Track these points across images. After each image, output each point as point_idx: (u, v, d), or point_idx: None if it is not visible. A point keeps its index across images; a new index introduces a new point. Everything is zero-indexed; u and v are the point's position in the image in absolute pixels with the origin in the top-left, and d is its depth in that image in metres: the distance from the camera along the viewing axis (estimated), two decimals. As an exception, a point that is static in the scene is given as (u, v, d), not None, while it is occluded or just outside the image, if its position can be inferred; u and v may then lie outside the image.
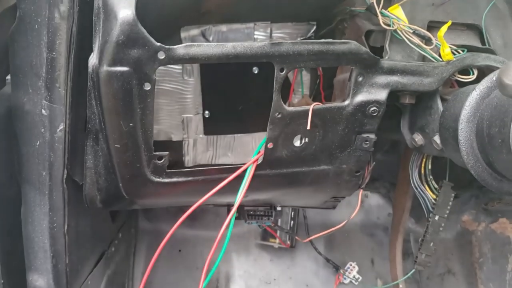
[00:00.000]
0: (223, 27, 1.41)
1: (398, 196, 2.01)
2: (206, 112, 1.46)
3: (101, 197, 1.24)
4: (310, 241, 2.11)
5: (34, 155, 1.17)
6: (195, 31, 1.40)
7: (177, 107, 1.45)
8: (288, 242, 2.16)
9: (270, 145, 1.18)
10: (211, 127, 1.48)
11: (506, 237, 2.11)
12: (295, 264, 2.26)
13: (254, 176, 1.17)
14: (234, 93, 1.45)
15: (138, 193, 1.20)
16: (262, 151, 1.19)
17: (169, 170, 1.15)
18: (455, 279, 2.23)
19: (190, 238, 2.21)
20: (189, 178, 1.18)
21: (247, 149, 1.56)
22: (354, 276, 2.22)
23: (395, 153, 2.20)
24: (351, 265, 2.25)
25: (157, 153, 1.11)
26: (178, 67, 1.40)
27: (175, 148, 1.48)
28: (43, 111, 1.12)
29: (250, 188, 1.17)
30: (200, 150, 1.52)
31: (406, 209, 1.95)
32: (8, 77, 1.31)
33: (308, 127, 1.14)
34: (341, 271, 2.20)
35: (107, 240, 1.69)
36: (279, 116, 1.13)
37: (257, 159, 1.18)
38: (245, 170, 1.16)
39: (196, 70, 1.41)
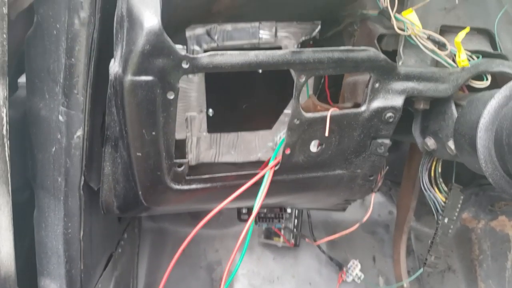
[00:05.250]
0: (228, 26, 1.40)
1: (403, 195, 2.02)
2: (210, 110, 1.46)
3: (118, 204, 1.23)
4: (315, 240, 2.11)
5: (50, 161, 1.16)
6: (200, 30, 1.39)
7: (181, 105, 1.43)
8: (292, 241, 2.16)
9: (287, 151, 1.17)
10: (215, 125, 1.48)
11: (506, 235, 2.13)
12: (298, 262, 2.26)
13: (271, 182, 1.17)
14: (238, 92, 1.45)
15: (157, 200, 1.19)
16: (280, 157, 1.18)
17: (188, 177, 1.14)
18: (455, 276, 2.25)
19: (193, 237, 2.20)
20: (208, 185, 1.18)
21: (250, 147, 1.56)
22: (356, 274, 2.22)
23: (397, 152, 2.21)
24: (353, 263, 2.24)
25: (177, 160, 1.10)
26: None
27: (178, 146, 1.48)
28: (60, 117, 1.11)
29: (266, 193, 1.16)
30: (203, 148, 1.51)
31: (411, 209, 1.96)
32: (20, 79, 1.29)
33: (327, 134, 1.14)
34: (344, 269, 2.21)
35: (115, 241, 1.68)
36: (298, 122, 1.12)
37: (274, 165, 1.18)
38: (262, 176, 1.16)
39: None
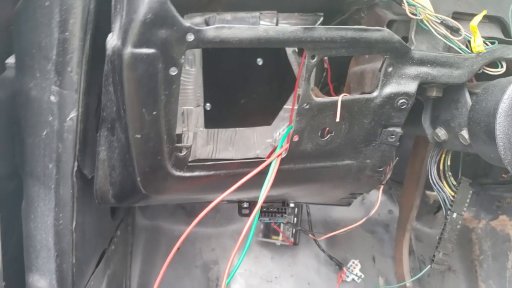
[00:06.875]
0: (228, 16, 1.35)
1: (406, 193, 1.98)
2: (207, 104, 1.40)
3: (114, 192, 1.16)
4: (314, 238, 2.06)
5: (40, 146, 1.09)
6: (198, 19, 1.33)
7: None
8: (292, 239, 2.11)
9: (295, 138, 1.12)
10: (212, 120, 1.42)
11: (506, 235, 2.11)
12: (296, 262, 2.21)
13: (277, 171, 1.11)
14: (237, 85, 1.40)
15: (156, 188, 1.12)
16: (287, 145, 1.12)
17: (190, 164, 1.08)
18: (455, 276, 2.22)
19: (189, 236, 2.11)
20: (211, 172, 1.12)
21: (249, 144, 1.50)
22: (356, 274, 2.18)
23: (398, 149, 2.17)
24: (353, 262, 2.21)
25: (179, 144, 1.04)
26: None
27: None
28: (52, 98, 1.04)
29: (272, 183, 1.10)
30: (200, 144, 1.45)
31: (414, 207, 1.92)
32: (8, 60, 1.21)
33: (338, 119, 1.09)
34: (344, 268, 2.16)
35: (108, 237, 1.60)
36: (307, 107, 1.07)
37: (281, 153, 1.12)
38: (269, 165, 1.09)
39: (198, 60, 1.35)
